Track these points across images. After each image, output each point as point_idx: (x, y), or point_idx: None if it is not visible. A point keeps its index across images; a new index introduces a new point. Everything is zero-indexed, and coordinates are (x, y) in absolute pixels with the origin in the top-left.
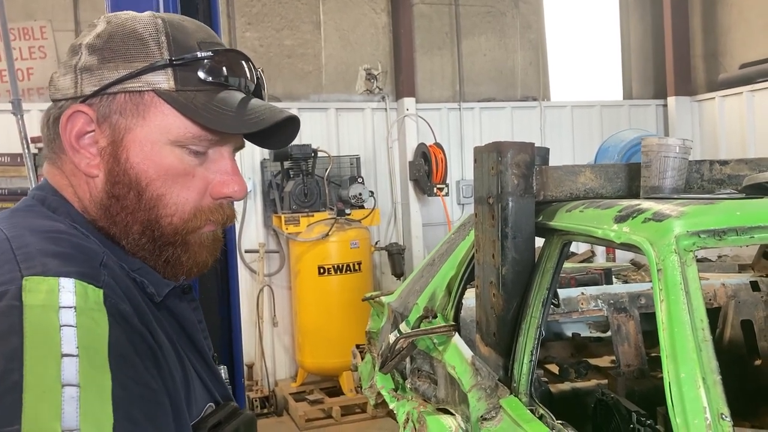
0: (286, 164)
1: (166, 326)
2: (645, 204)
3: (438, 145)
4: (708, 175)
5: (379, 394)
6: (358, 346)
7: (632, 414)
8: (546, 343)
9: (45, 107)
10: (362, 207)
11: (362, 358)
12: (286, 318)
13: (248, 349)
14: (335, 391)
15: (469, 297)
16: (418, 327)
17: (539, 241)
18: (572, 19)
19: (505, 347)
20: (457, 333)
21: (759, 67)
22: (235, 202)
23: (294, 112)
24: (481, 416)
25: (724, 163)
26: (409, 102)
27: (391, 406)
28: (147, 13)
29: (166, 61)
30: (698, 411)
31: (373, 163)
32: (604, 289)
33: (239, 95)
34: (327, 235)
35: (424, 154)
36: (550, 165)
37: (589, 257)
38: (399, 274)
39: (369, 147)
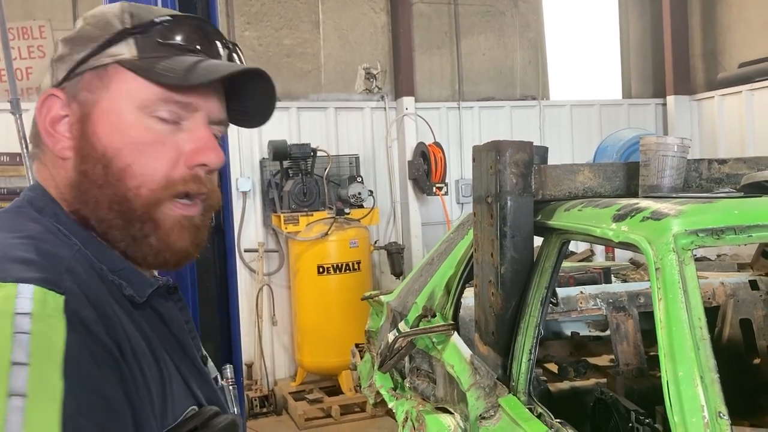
0: (286, 163)
1: (146, 328)
2: (643, 203)
3: (437, 145)
4: (706, 174)
5: (378, 393)
6: (357, 345)
7: (631, 413)
8: (545, 342)
9: None
10: (361, 206)
11: (361, 357)
12: (286, 317)
13: (248, 349)
14: (334, 391)
15: (468, 296)
16: (417, 326)
17: (538, 240)
18: (571, 18)
19: (503, 346)
20: (455, 332)
21: (758, 66)
22: (235, 197)
23: (293, 111)
24: (480, 415)
25: (722, 161)
26: (408, 101)
27: (390, 405)
28: (117, 2)
29: (126, 31)
30: (696, 409)
31: (372, 162)
32: (603, 288)
33: (198, 57)
34: (326, 234)
35: (423, 154)
36: (548, 164)
37: (589, 256)
38: (398, 273)
39: (368, 146)
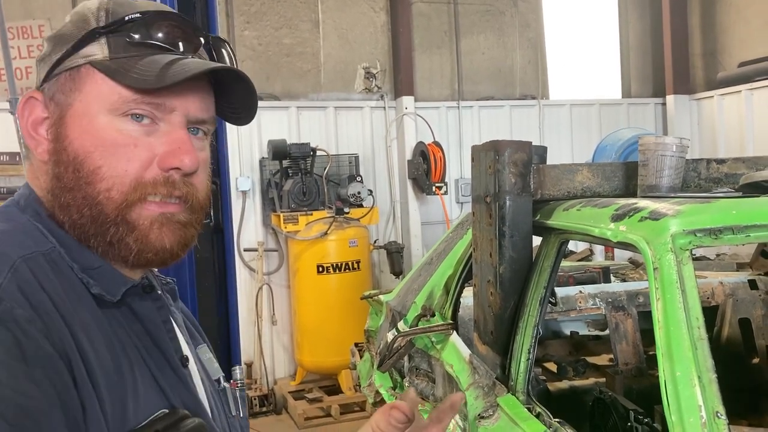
0: (285, 163)
1: (115, 328)
2: (642, 203)
3: (437, 144)
4: (705, 174)
5: (377, 392)
6: (356, 345)
7: (630, 412)
8: (544, 341)
9: None
10: (361, 206)
11: (361, 357)
12: (285, 316)
13: (247, 348)
14: (334, 390)
15: (467, 296)
16: (416, 325)
17: (537, 240)
18: (571, 18)
19: (502, 346)
20: (454, 331)
21: (757, 66)
22: (235, 197)
23: (293, 110)
24: (479, 414)
25: (721, 161)
26: (407, 101)
27: None
28: None
29: (97, 30)
30: (693, 409)
31: (372, 161)
32: (602, 287)
33: (172, 56)
34: (326, 233)
35: (422, 153)
36: (547, 164)
37: (588, 256)
38: (397, 272)
39: (368, 146)
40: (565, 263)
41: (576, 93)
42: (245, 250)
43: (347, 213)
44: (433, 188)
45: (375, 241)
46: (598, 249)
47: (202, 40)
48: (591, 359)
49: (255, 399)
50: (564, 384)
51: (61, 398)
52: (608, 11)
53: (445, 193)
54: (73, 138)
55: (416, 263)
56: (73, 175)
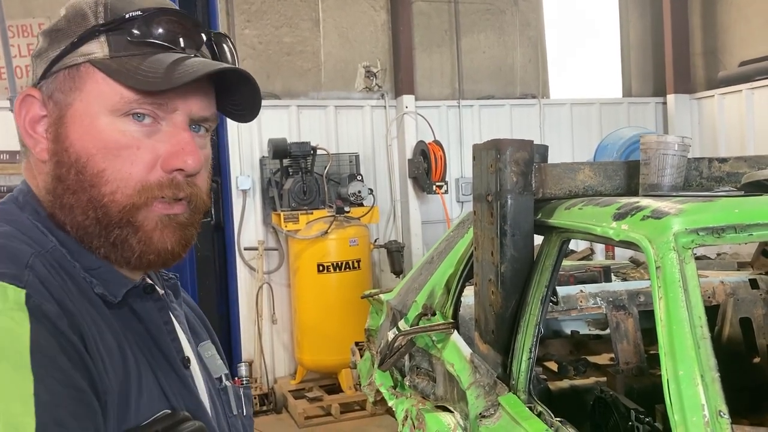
0: (285, 162)
1: (118, 327)
2: (644, 201)
3: (437, 143)
4: (707, 173)
5: (378, 391)
6: (357, 344)
7: (631, 411)
8: (545, 340)
9: None
10: (361, 205)
11: (361, 356)
12: (286, 315)
13: (247, 347)
14: (334, 389)
15: (468, 295)
16: (417, 324)
17: (538, 239)
18: (571, 17)
19: (503, 345)
20: (455, 330)
21: (758, 65)
22: (235, 195)
23: (293, 109)
24: (480, 413)
25: (723, 160)
26: (408, 99)
27: (390, 403)
28: None
29: (97, 28)
30: (696, 408)
31: (372, 160)
32: (603, 286)
33: (176, 56)
34: (326, 232)
35: (423, 152)
36: (549, 162)
37: (589, 255)
38: (398, 271)
39: (368, 144)
40: (565, 262)
41: (576, 92)
42: (245, 249)
43: (348, 212)
44: (434, 187)
45: (375, 240)
46: (599, 248)
47: (204, 37)
48: (592, 358)
49: (255, 398)
50: (565, 383)
51: (93, 390)
52: (609, 10)
53: (446, 192)
54: (75, 139)
55: (417, 262)
56: (75, 177)
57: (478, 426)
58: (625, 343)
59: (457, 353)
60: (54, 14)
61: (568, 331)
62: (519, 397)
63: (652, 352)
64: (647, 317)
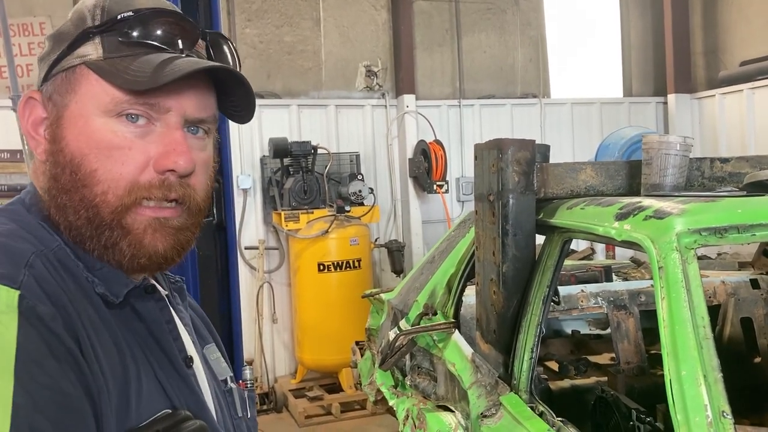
0: (286, 161)
1: (119, 327)
2: (646, 201)
3: (438, 142)
4: (709, 173)
5: (378, 390)
6: (357, 343)
7: (632, 411)
8: (545, 340)
9: None
10: (362, 204)
11: (362, 355)
12: (286, 315)
13: (248, 346)
14: (335, 388)
15: (469, 294)
16: (418, 324)
17: (540, 239)
18: (572, 16)
19: (505, 344)
20: (457, 330)
21: (759, 65)
22: (236, 195)
23: (294, 108)
24: (481, 413)
25: (725, 160)
26: (408, 99)
27: (391, 403)
28: None
29: (91, 30)
30: (699, 408)
31: (373, 160)
32: (604, 286)
33: (166, 55)
34: (327, 232)
35: (423, 151)
36: (550, 162)
37: (589, 255)
38: (398, 271)
39: (369, 144)
40: (566, 262)
41: (577, 92)
42: (246, 248)
43: (348, 211)
44: (434, 187)
45: (376, 240)
46: (599, 248)
47: (199, 37)
48: (592, 358)
49: (255, 397)
50: (566, 383)
51: (87, 393)
52: (609, 10)
53: (446, 191)
54: (70, 139)
55: (418, 261)
56: (70, 177)
57: (480, 426)
58: (626, 342)
59: (458, 353)
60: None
61: (569, 331)
62: (521, 397)
63: (652, 351)
64: (648, 317)
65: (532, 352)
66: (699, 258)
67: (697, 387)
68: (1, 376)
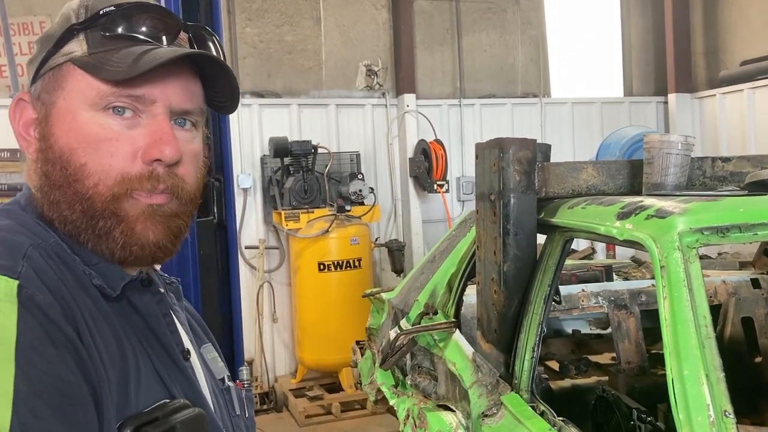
0: (286, 160)
1: (116, 319)
2: (647, 201)
3: (438, 142)
4: (710, 172)
5: (379, 390)
6: (358, 343)
7: (633, 411)
8: (546, 339)
9: None
10: (362, 203)
11: (362, 355)
12: (286, 314)
13: (248, 345)
14: (335, 388)
15: (470, 294)
16: (419, 323)
17: (541, 238)
18: (573, 16)
19: (506, 344)
20: (457, 330)
21: (759, 65)
22: (236, 194)
23: (294, 108)
24: (482, 413)
25: (726, 160)
26: (409, 98)
27: (392, 402)
28: None
29: (75, 27)
30: (701, 408)
31: (373, 159)
32: (605, 286)
33: (149, 47)
34: (327, 231)
35: (424, 151)
36: (551, 161)
37: (590, 254)
38: (399, 270)
39: (369, 143)
40: (567, 261)
41: (578, 91)
42: (246, 248)
43: (348, 211)
44: (435, 186)
45: (376, 239)
46: (600, 247)
47: (181, 29)
48: (593, 358)
49: (256, 396)
50: (566, 382)
51: (86, 380)
52: (610, 9)
53: (447, 191)
54: (59, 136)
55: (418, 261)
56: (60, 173)
57: (481, 425)
58: (626, 342)
59: (459, 352)
60: (54, 12)
61: (569, 331)
62: (522, 397)
63: (653, 351)
64: (649, 316)
65: (533, 351)
66: (700, 257)
67: (699, 386)
68: (2, 363)
